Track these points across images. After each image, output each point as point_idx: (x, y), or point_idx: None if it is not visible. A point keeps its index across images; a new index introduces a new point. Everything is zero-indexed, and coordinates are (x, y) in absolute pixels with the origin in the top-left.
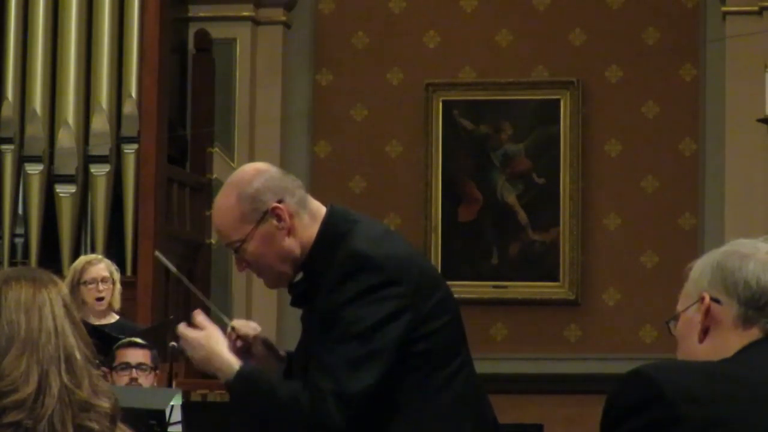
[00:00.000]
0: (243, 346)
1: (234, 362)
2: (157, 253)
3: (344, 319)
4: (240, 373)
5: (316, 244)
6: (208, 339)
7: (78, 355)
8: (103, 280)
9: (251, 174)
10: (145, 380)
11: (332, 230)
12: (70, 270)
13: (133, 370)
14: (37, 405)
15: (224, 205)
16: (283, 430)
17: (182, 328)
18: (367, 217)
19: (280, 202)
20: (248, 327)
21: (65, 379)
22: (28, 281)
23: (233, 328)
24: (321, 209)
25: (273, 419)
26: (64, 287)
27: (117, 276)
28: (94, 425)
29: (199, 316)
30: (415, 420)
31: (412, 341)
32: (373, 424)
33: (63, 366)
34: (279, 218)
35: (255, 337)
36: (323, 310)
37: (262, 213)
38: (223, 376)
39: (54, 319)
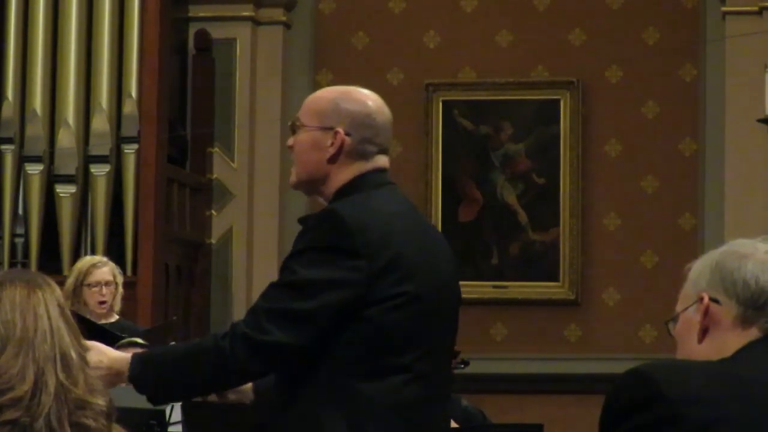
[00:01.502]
0: None
1: (123, 355)
2: None
3: (290, 268)
4: (134, 357)
5: (337, 192)
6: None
7: (73, 354)
8: (107, 283)
9: (360, 98)
10: None
11: (351, 185)
12: (74, 270)
13: None
14: (34, 403)
15: (325, 91)
16: (204, 383)
17: None
18: (397, 192)
19: (348, 134)
20: None
21: (61, 377)
22: (23, 283)
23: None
24: (371, 173)
25: (188, 374)
26: (57, 289)
27: (120, 279)
28: (91, 422)
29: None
30: (343, 407)
31: (353, 320)
32: (297, 394)
33: (59, 364)
34: (332, 142)
35: None
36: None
37: (329, 125)
38: (123, 371)
39: (49, 319)
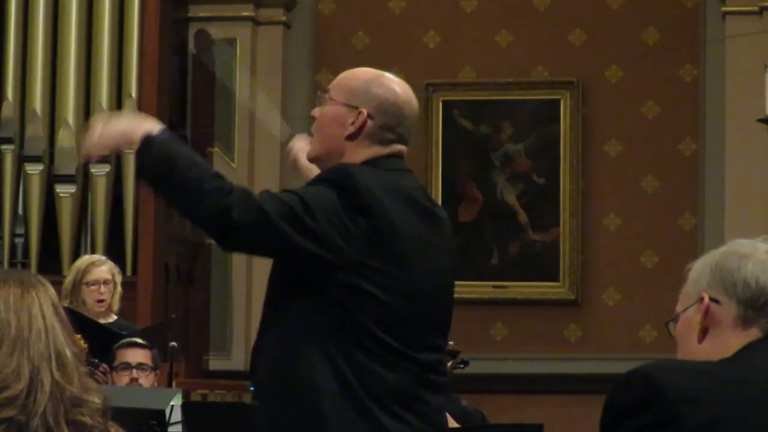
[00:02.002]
0: (293, 162)
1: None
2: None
3: (300, 193)
4: (163, 131)
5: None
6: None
7: (68, 353)
8: (105, 282)
9: (392, 85)
10: (146, 380)
11: (364, 165)
12: (73, 268)
13: (134, 370)
14: (30, 401)
15: (360, 71)
16: (182, 202)
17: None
18: (411, 177)
19: (370, 117)
20: (302, 147)
21: (56, 375)
22: (16, 282)
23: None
24: (386, 157)
25: (180, 185)
26: (51, 288)
27: (119, 279)
28: (87, 419)
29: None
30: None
31: (334, 283)
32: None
33: (54, 363)
34: (353, 121)
35: (303, 162)
36: None
37: (354, 104)
38: (141, 132)
39: (43, 318)
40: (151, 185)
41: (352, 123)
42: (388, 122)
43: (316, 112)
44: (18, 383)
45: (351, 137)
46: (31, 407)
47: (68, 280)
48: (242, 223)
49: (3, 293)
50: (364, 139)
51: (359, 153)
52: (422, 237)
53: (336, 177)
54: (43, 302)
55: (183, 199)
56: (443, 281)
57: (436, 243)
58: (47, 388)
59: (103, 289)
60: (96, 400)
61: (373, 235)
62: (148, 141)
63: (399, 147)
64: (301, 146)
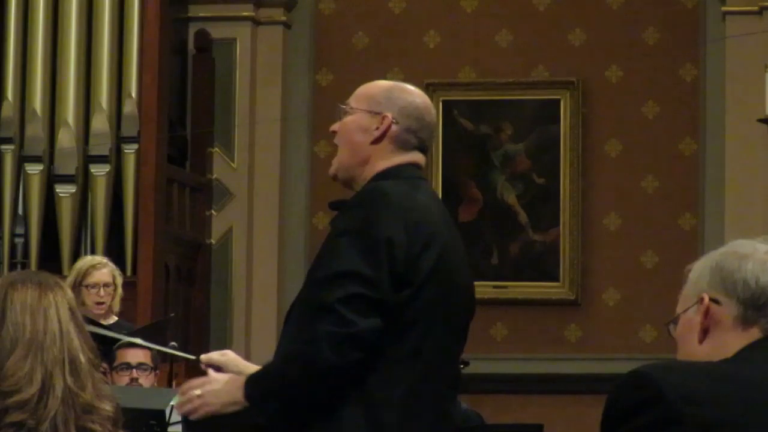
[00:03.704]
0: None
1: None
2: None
3: (337, 253)
4: (248, 378)
5: (373, 178)
6: (212, 383)
7: (82, 359)
8: (106, 285)
9: (411, 94)
10: (146, 380)
11: (388, 173)
12: (74, 270)
13: (134, 370)
14: (40, 406)
15: (378, 83)
16: (301, 392)
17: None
18: (429, 187)
19: (396, 122)
20: (216, 355)
21: (69, 381)
22: (34, 284)
23: (201, 361)
24: (403, 161)
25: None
26: (69, 291)
27: (119, 281)
28: (97, 427)
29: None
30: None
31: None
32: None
33: (67, 368)
34: (379, 125)
35: (226, 362)
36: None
37: (377, 110)
38: (240, 395)
39: (59, 322)
40: (287, 418)
41: (377, 128)
42: (411, 126)
43: (336, 126)
44: (30, 387)
45: (376, 141)
46: (41, 412)
47: (68, 282)
48: (363, 354)
49: (20, 294)
50: (389, 143)
51: (383, 159)
52: (451, 245)
53: (364, 227)
54: (60, 306)
55: (310, 391)
56: (469, 290)
57: (460, 252)
58: (59, 393)
59: (102, 292)
60: (108, 407)
61: (418, 253)
62: (251, 395)
63: (419, 155)
64: (210, 356)
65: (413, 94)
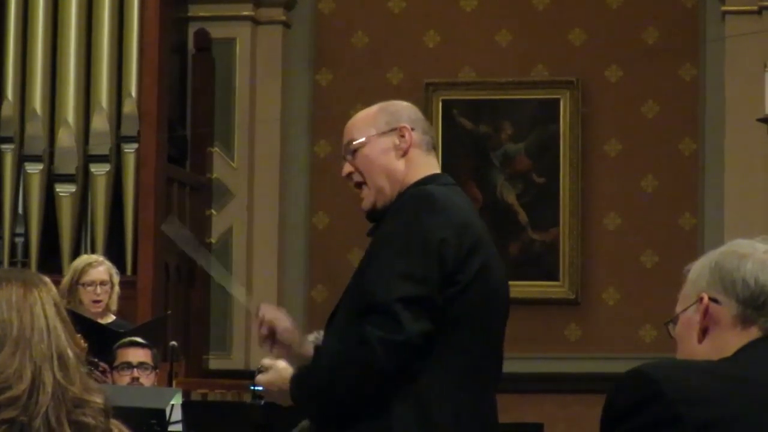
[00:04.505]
0: (269, 332)
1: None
2: (164, 226)
3: (385, 256)
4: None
5: (415, 183)
6: (274, 378)
7: (70, 353)
8: (102, 283)
9: (402, 103)
10: (146, 380)
11: (425, 181)
12: (70, 268)
13: (135, 369)
14: (31, 402)
15: (364, 111)
16: (352, 396)
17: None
18: (463, 194)
19: (413, 128)
20: (274, 314)
21: (59, 376)
22: (19, 282)
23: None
24: (434, 164)
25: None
26: (53, 288)
27: (116, 279)
28: (90, 420)
29: (265, 360)
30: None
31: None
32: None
33: (56, 363)
34: (402, 136)
35: (282, 326)
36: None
37: (391, 127)
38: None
39: (46, 318)
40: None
41: (402, 138)
42: (423, 127)
43: (348, 168)
44: (20, 384)
45: (405, 153)
46: (33, 408)
47: (65, 280)
48: (414, 357)
49: (5, 292)
50: (416, 149)
51: (418, 165)
52: (491, 246)
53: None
54: (45, 302)
55: (359, 394)
56: (506, 290)
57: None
58: (49, 388)
59: (99, 289)
60: (98, 400)
61: (467, 254)
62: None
63: (434, 154)
64: (274, 315)
65: (401, 103)
